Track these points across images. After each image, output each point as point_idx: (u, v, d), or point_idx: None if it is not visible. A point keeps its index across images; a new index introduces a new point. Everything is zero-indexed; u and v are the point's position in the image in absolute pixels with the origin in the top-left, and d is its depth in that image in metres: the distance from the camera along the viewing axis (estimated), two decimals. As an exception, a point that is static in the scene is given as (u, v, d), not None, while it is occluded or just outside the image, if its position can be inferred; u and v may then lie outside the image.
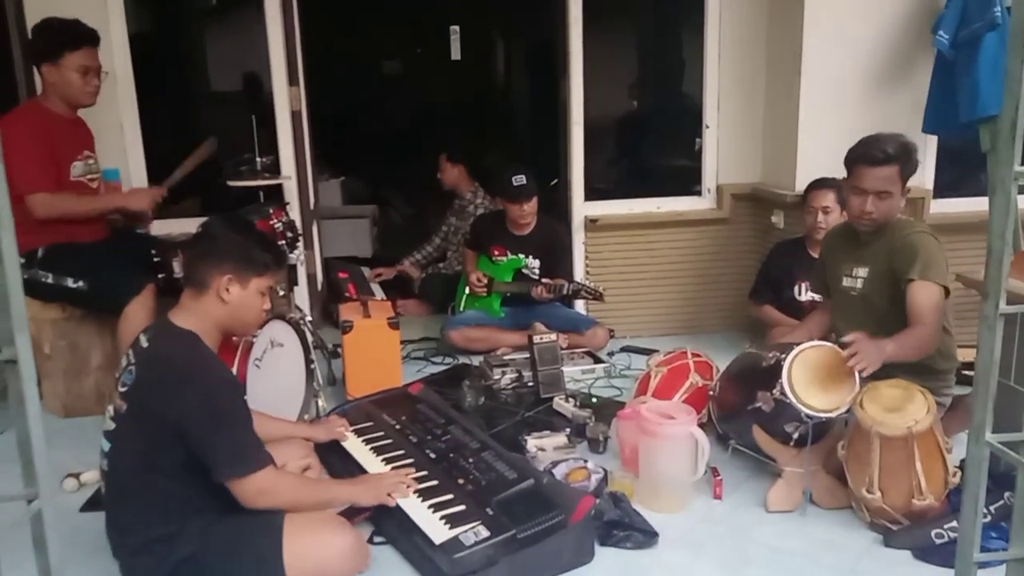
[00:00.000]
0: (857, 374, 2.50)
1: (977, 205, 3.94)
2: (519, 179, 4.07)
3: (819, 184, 3.60)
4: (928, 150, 3.99)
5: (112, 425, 2.12)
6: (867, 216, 2.73)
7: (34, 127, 3.16)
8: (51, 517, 1.40)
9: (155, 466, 2.06)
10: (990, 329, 1.47)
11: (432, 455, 2.65)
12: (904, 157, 2.71)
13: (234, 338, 2.80)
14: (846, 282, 2.90)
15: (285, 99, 4.13)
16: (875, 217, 2.72)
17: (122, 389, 2.09)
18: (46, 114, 3.24)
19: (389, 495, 2.33)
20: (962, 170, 4.06)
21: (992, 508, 2.34)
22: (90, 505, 2.68)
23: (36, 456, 1.37)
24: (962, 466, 2.43)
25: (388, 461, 2.65)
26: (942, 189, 4.09)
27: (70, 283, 3.21)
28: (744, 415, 2.72)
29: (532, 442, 2.92)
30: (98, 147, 3.49)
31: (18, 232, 1.33)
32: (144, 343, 2.13)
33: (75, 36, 3.21)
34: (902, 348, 2.55)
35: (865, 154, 2.71)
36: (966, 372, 2.98)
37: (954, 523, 2.31)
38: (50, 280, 3.21)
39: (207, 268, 2.14)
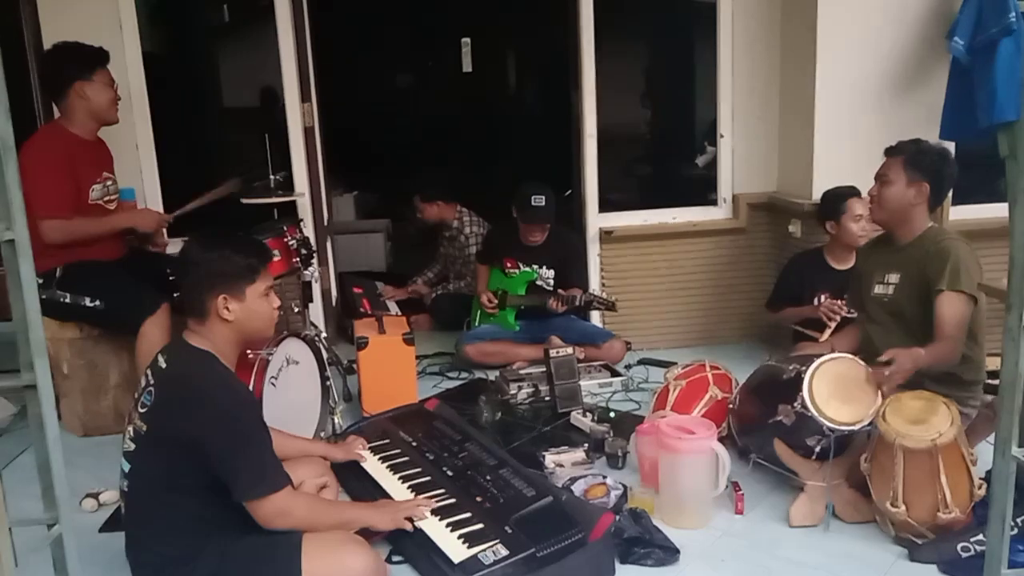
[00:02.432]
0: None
1: (996, 211, 3.89)
2: (538, 199, 4.01)
3: (853, 192, 3.57)
4: (946, 156, 3.96)
5: (132, 446, 2.12)
6: (872, 201, 2.87)
7: (56, 151, 3.19)
8: (71, 541, 1.40)
9: (176, 486, 2.06)
10: (1014, 342, 1.45)
11: (449, 472, 2.64)
12: (911, 151, 2.79)
13: (250, 355, 2.80)
14: (878, 289, 2.88)
15: (298, 115, 4.15)
16: (878, 202, 2.83)
17: (142, 410, 2.10)
18: (68, 137, 3.26)
19: (407, 520, 2.32)
20: (980, 176, 4.02)
21: (1018, 520, 2.30)
22: (109, 525, 2.68)
23: (56, 480, 1.38)
24: (987, 478, 2.39)
25: (405, 479, 2.64)
26: (960, 195, 4.05)
27: (87, 302, 3.23)
28: (765, 428, 2.69)
29: (550, 458, 2.91)
30: (115, 168, 3.52)
31: (35, 252, 1.34)
32: (163, 364, 2.14)
33: (101, 55, 3.30)
34: (931, 358, 2.56)
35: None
36: (990, 382, 2.93)
37: (980, 536, 2.28)
38: (67, 300, 3.23)
39: (199, 295, 2.12)
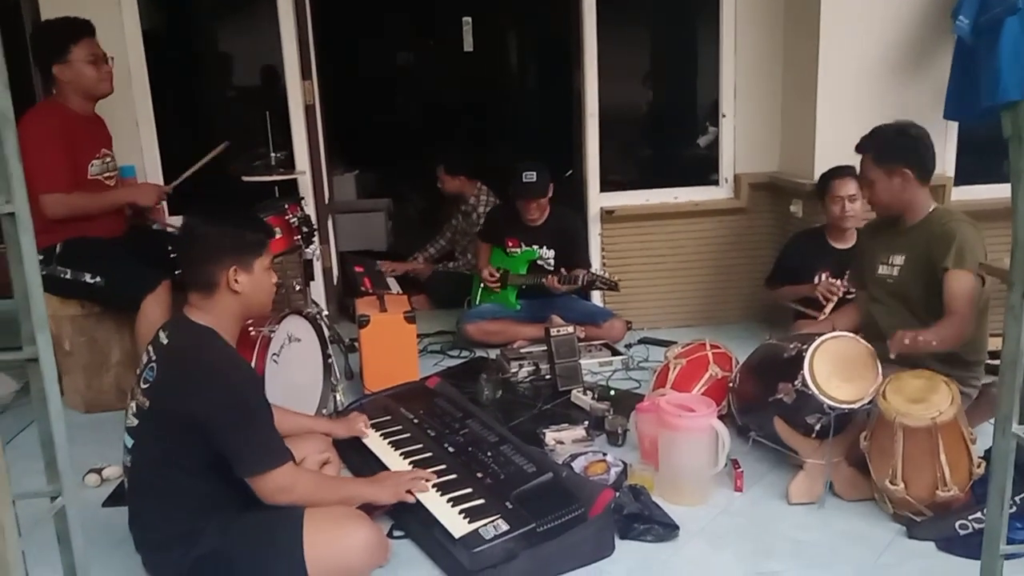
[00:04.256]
0: (879, 364, 2.50)
1: (999, 192, 3.88)
2: (529, 176, 4.02)
3: (839, 172, 3.57)
4: (949, 137, 3.94)
5: (135, 422, 2.13)
6: (868, 201, 2.90)
7: (53, 126, 3.18)
8: (75, 514, 1.41)
9: (178, 462, 2.07)
10: (1016, 319, 1.45)
11: (450, 449, 2.65)
12: (873, 146, 2.79)
13: (252, 332, 2.81)
14: (882, 271, 2.87)
15: (299, 93, 4.13)
16: (871, 202, 2.87)
17: (144, 386, 2.10)
18: (65, 112, 3.25)
19: (408, 492, 2.33)
20: (983, 157, 4.01)
21: (1016, 499, 2.32)
22: (112, 500, 2.70)
23: (59, 453, 1.38)
24: (986, 456, 2.41)
25: (406, 455, 2.65)
26: (963, 176, 4.04)
27: (88, 279, 3.23)
28: (765, 407, 2.70)
29: (550, 435, 2.92)
30: (114, 145, 3.51)
31: (35, 229, 1.33)
32: (164, 340, 2.14)
33: (73, 30, 3.23)
34: (939, 339, 2.50)
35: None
36: (990, 362, 2.93)
37: (978, 514, 2.29)
38: (68, 276, 3.23)
39: (210, 268, 2.13)
